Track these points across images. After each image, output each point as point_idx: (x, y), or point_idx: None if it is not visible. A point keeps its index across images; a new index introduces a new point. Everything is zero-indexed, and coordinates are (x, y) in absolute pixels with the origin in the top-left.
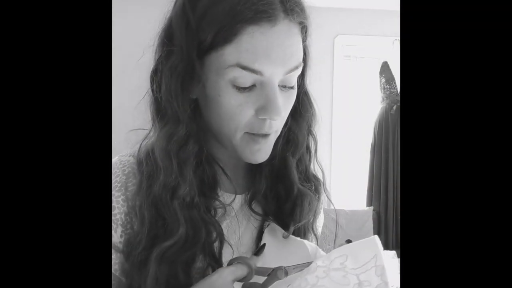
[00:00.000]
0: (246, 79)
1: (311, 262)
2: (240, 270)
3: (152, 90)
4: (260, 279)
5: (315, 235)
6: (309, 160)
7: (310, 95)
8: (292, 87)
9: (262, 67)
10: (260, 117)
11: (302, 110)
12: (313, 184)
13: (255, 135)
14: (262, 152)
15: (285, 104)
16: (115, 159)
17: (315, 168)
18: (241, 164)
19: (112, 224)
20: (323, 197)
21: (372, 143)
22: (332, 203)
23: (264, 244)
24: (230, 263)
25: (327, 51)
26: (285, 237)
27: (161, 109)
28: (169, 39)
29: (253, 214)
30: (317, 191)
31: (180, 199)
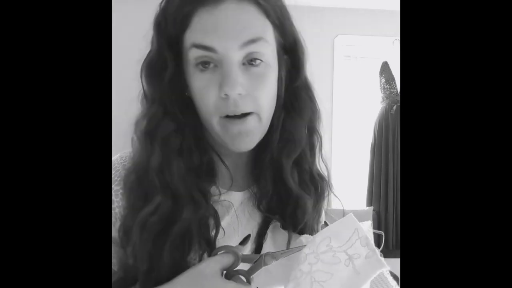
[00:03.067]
0: (203, 57)
1: (298, 247)
2: (226, 259)
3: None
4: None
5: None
6: (313, 159)
7: (313, 90)
8: (262, 62)
9: (212, 42)
10: (221, 96)
11: (298, 106)
12: (318, 183)
13: (230, 118)
14: (243, 136)
15: (251, 80)
16: (116, 156)
17: (320, 166)
18: (240, 163)
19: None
20: (329, 195)
21: (372, 143)
22: (339, 200)
23: (249, 235)
24: (216, 252)
25: (327, 51)
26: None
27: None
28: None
29: (254, 213)
30: (322, 190)
31: (156, 170)
